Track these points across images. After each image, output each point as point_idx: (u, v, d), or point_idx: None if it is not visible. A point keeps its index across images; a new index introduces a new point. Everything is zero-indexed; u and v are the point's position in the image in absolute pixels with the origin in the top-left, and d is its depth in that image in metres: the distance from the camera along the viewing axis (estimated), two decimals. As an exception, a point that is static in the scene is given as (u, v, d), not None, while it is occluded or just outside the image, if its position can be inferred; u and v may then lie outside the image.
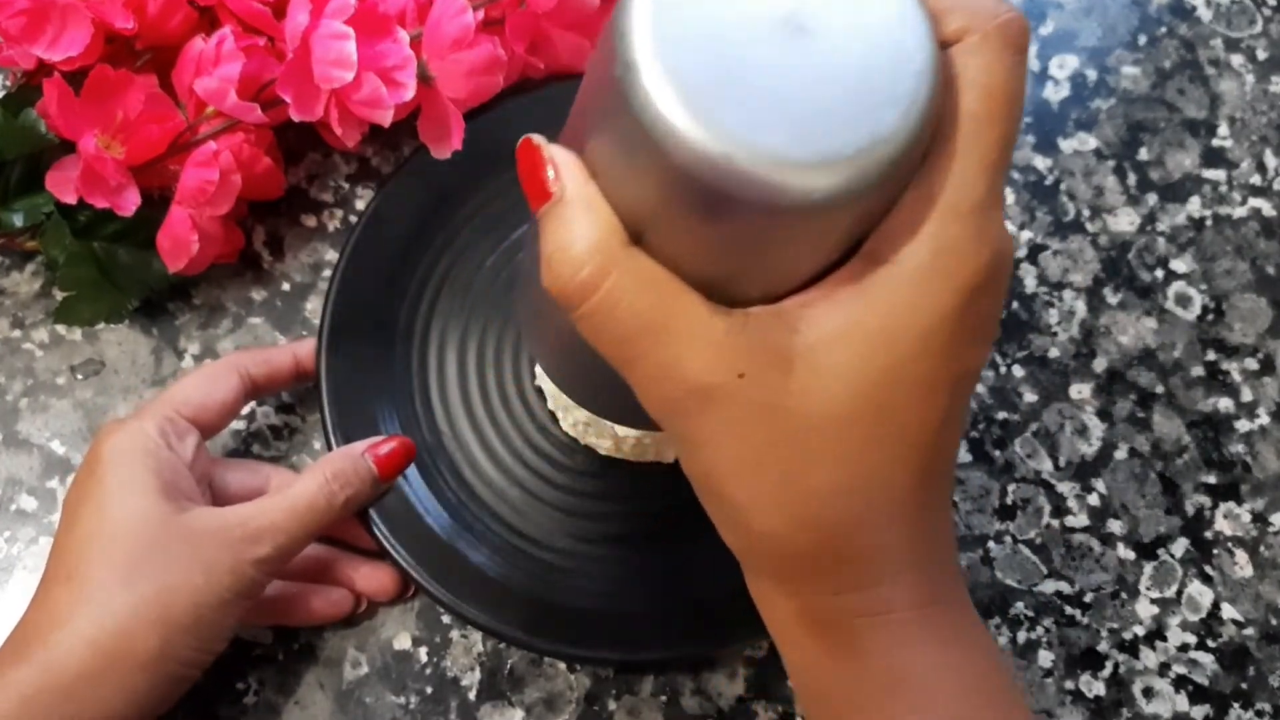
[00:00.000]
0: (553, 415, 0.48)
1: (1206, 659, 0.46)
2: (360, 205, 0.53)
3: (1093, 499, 0.49)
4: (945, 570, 0.29)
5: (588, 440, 0.47)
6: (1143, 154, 0.54)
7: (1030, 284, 0.52)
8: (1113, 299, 0.52)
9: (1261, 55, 0.56)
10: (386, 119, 0.46)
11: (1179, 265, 0.52)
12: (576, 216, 0.25)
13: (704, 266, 0.25)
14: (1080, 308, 0.51)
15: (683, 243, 0.25)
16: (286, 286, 0.51)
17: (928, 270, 0.25)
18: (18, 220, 0.47)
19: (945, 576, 0.29)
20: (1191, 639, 0.47)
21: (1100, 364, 0.51)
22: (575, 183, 0.25)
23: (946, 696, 0.28)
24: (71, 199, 0.46)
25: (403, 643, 0.46)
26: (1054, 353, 0.51)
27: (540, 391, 0.48)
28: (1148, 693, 0.46)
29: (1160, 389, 0.50)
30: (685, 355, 0.25)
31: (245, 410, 0.49)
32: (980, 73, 0.25)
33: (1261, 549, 0.48)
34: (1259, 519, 0.48)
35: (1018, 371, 0.50)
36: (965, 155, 0.25)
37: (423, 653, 0.46)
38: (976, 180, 0.25)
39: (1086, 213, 0.53)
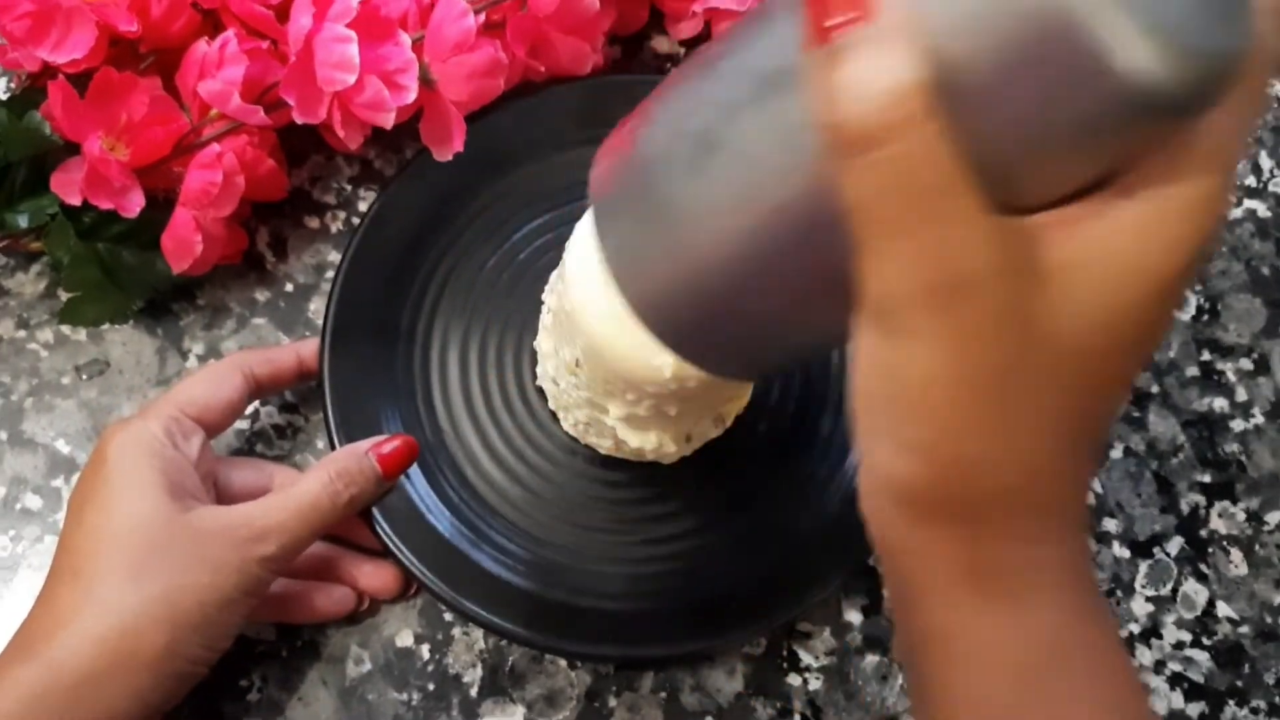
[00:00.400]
0: (553, 415, 0.48)
1: (1202, 657, 0.47)
2: (363, 207, 0.53)
3: (1089, 498, 0.49)
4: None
5: (588, 440, 0.47)
6: (1139, 156, 0.55)
7: (1027, 285, 0.52)
8: (1109, 299, 0.52)
9: (1256, 58, 0.56)
10: (389, 121, 0.46)
11: (1174, 266, 0.53)
12: (897, 46, 0.21)
13: (1004, 152, 0.22)
14: (1076, 308, 0.52)
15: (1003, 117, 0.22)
16: (290, 287, 0.52)
17: (1187, 213, 0.23)
18: (23, 221, 0.47)
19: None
20: (1187, 637, 0.47)
21: (1096, 364, 0.51)
22: (896, 6, 0.21)
23: (1104, 677, 0.27)
24: (76, 200, 0.46)
25: (405, 640, 0.46)
26: (1050, 353, 0.51)
27: (541, 391, 0.48)
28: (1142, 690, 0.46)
29: (1155, 388, 0.51)
30: (953, 238, 0.22)
31: (249, 410, 0.49)
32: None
33: (1256, 547, 0.48)
34: (1254, 517, 0.49)
35: (1014, 371, 0.51)
36: (1233, 117, 0.23)
37: (425, 650, 0.46)
38: (1238, 142, 0.24)
39: (1083, 214, 0.53)
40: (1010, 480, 0.25)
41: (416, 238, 0.50)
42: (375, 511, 0.45)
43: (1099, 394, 0.25)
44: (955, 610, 0.27)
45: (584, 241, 0.40)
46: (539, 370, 0.48)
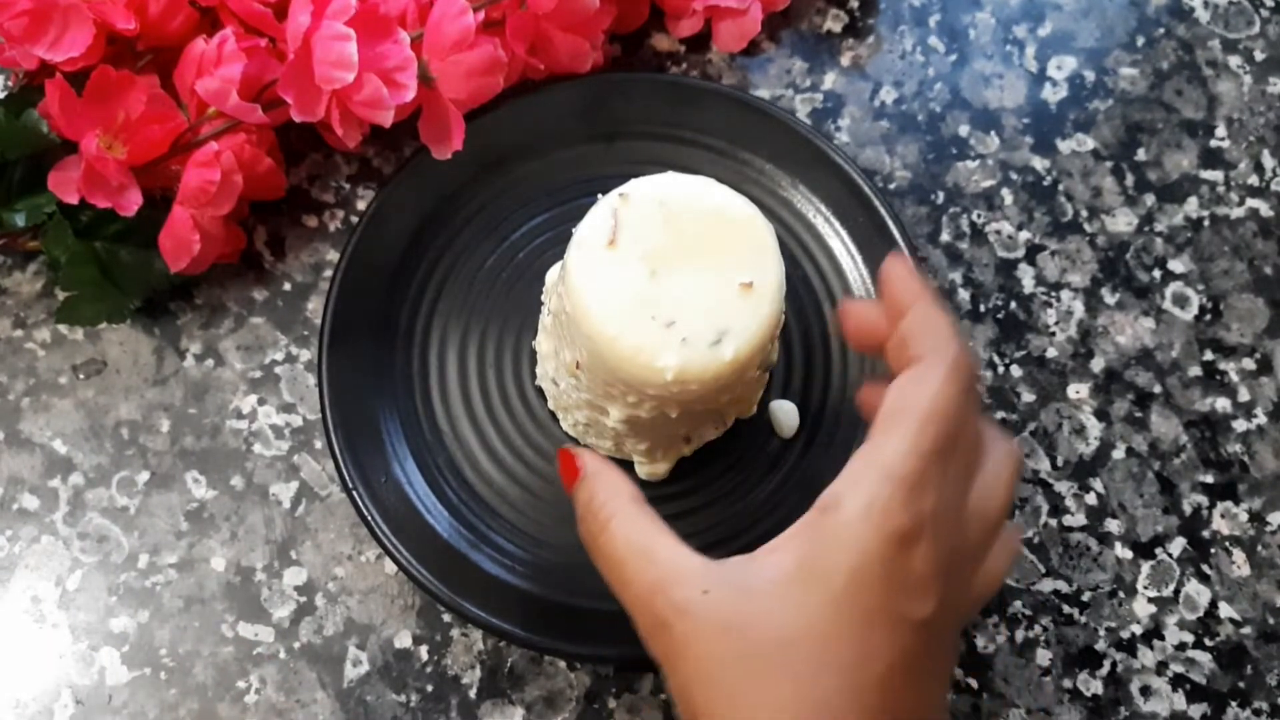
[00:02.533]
0: (553, 415, 0.48)
1: (1204, 658, 0.47)
2: (361, 205, 0.53)
3: (1090, 498, 0.49)
4: None
5: (588, 440, 0.47)
6: (1140, 155, 0.54)
7: (1028, 284, 0.52)
8: (1110, 299, 0.52)
9: (1259, 56, 0.56)
10: (387, 120, 0.46)
11: (1176, 265, 0.53)
12: (594, 484, 0.36)
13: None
14: (1078, 308, 0.52)
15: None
16: (288, 286, 0.51)
17: (861, 516, 0.31)
18: (20, 220, 0.47)
19: None
20: (1189, 638, 0.47)
21: (1098, 364, 0.51)
22: (593, 463, 0.36)
23: None
24: (73, 199, 0.46)
25: (403, 641, 0.46)
26: (1052, 353, 0.51)
27: (540, 391, 0.48)
28: (1145, 691, 0.46)
29: (1158, 389, 0.50)
30: (666, 576, 0.32)
31: (246, 409, 0.49)
32: (930, 390, 0.32)
33: (1259, 548, 0.48)
34: (1256, 518, 0.49)
35: (1015, 371, 0.50)
36: (905, 438, 0.31)
37: (423, 651, 0.46)
38: (909, 459, 0.31)
39: (1084, 213, 0.53)
40: None
41: (415, 237, 0.50)
42: (373, 512, 0.44)
43: (833, 682, 0.31)
44: None
45: (585, 242, 0.40)
46: (538, 370, 0.48)
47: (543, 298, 0.47)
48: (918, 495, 0.31)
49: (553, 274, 0.45)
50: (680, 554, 0.33)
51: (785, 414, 0.48)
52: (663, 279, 0.39)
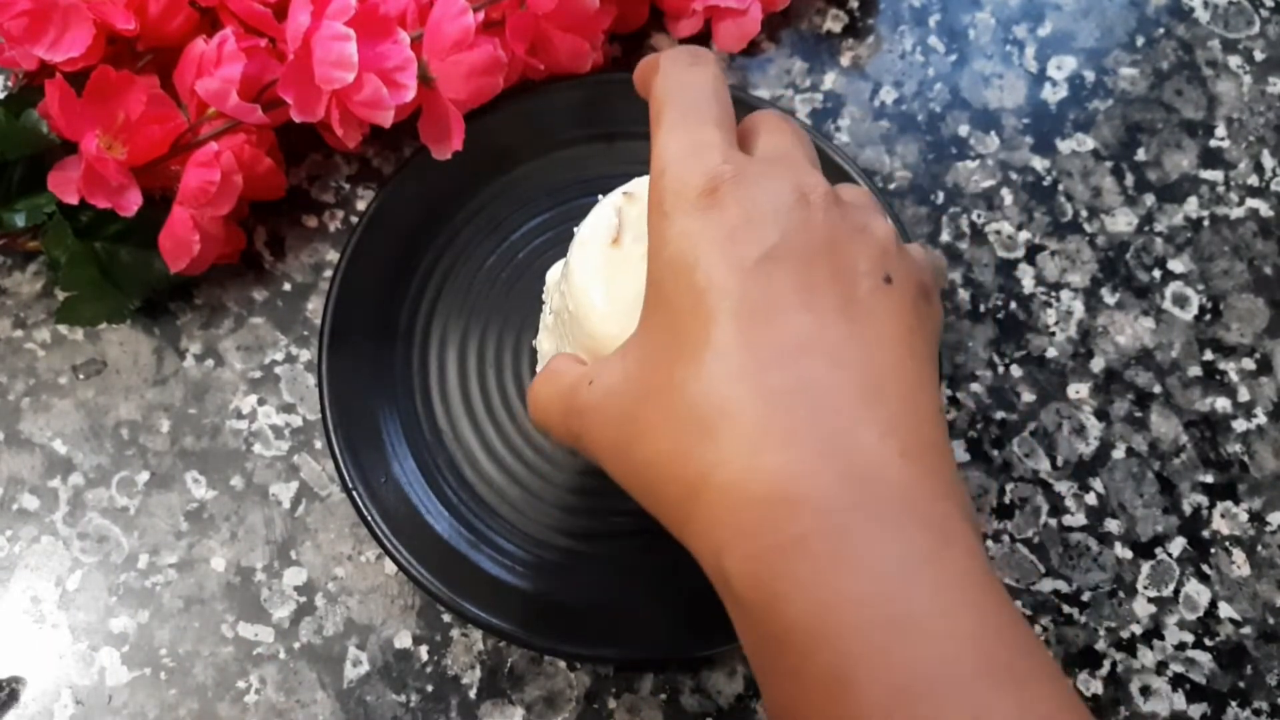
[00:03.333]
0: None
1: (1204, 658, 0.47)
2: (361, 206, 0.53)
3: (1090, 498, 0.49)
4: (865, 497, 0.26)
5: None
6: (1140, 155, 0.54)
7: (1028, 284, 0.52)
8: (1110, 299, 0.52)
9: (1259, 56, 0.56)
10: (387, 120, 0.46)
11: (1176, 265, 0.52)
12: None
13: None
14: (1078, 308, 0.52)
15: None
16: (288, 286, 0.51)
17: (656, 216, 0.31)
18: (19, 220, 0.47)
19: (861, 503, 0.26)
20: (1189, 638, 0.47)
21: (1098, 364, 0.51)
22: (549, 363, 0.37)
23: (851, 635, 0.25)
24: (73, 199, 0.46)
25: (403, 641, 0.46)
26: (1051, 353, 0.51)
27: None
28: (1145, 691, 0.46)
29: (1158, 389, 0.50)
30: (566, 389, 0.33)
31: (246, 410, 0.49)
32: (655, 83, 0.33)
33: (1259, 548, 0.48)
34: (1256, 518, 0.49)
35: (1015, 371, 0.50)
36: (656, 133, 0.33)
37: (423, 651, 0.46)
38: (663, 142, 0.32)
39: (1084, 213, 0.53)
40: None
41: (415, 237, 0.50)
42: (373, 512, 0.44)
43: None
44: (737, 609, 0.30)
45: (588, 241, 0.40)
46: (538, 369, 0.48)
47: (543, 297, 0.47)
48: (695, 157, 0.29)
49: (554, 273, 0.45)
50: (574, 373, 0.33)
51: None
52: None
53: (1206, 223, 0.53)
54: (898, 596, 0.24)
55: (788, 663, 0.25)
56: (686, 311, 0.28)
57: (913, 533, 0.25)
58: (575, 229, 0.41)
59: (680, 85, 0.31)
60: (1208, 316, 0.52)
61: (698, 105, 0.31)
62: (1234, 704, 0.46)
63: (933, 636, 0.24)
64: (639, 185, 0.41)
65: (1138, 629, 0.47)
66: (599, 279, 0.39)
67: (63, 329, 0.50)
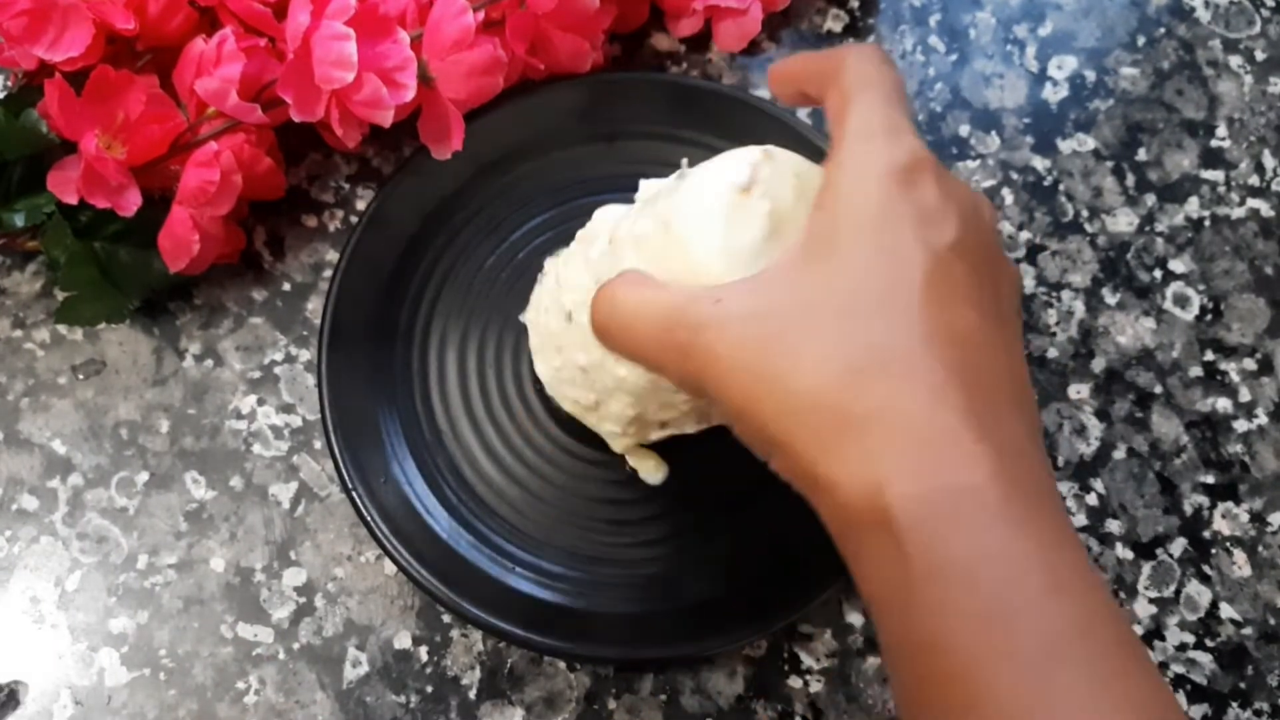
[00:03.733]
0: (552, 415, 0.48)
1: (1205, 658, 0.47)
2: (361, 205, 0.53)
3: (1091, 499, 0.49)
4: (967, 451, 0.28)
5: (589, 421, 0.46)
6: (1141, 155, 0.54)
7: (1029, 284, 0.52)
8: (1111, 299, 0.52)
9: (1260, 56, 0.56)
10: (387, 119, 0.46)
11: (1177, 265, 0.52)
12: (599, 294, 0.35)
13: None
14: (1079, 308, 0.52)
15: None
16: (287, 286, 0.51)
17: (853, 176, 0.32)
18: (19, 220, 0.47)
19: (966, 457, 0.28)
20: (1190, 638, 0.47)
21: (1099, 364, 0.51)
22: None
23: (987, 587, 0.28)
24: (73, 199, 0.46)
25: (403, 642, 0.46)
26: (1052, 353, 0.51)
27: (540, 391, 0.48)
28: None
29: (1159, 389, 0.50)
30: (676, 306, 0.32)
31: (245, 409, 0.49)
32: (849, 67, 0.34)
33: (1260, 549, 0.48)
34: (1257, 519, 0.49)
35: (1016, 371, 0.50)
36: (865, 102, 0.33)
37: (423, 652, 0.46)
38: (875, 113, 0.32)
39: (1085, 213, 0.53)
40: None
41: (415, 237, 0.50)
42: (372, 512, 0.44)
43: (887, 321, 0.31)
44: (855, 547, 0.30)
45: (717, 176, 0.37)
46: (537, 369, 0.47)
47: (547, 280, 0.46)
48: (899, 136, 0.32)
49: (555, 261, 0.46)
50: (676, 288, 0.33)
51: None
52: (776, 243, 0.36)
53: (1207, 223, 0.53)
54: (1048, 563, 0.27)
55: (938, 594, 0.28)
56: (867, 267, 0.30)
57: (1052, 517, 0.29)
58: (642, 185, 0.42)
59: (881, 74, 0.34)
60: (1209, 317, 0.52)
61: (898, 93, 0.33)
62: (1235, 705, 0.46)
63: (1076, 598, 0.27)
64: (778, 150, 0.38)
65: (1138, 630, 0.47)
66: (720, 216, 0.36)
67: (62, 329, 0.50)
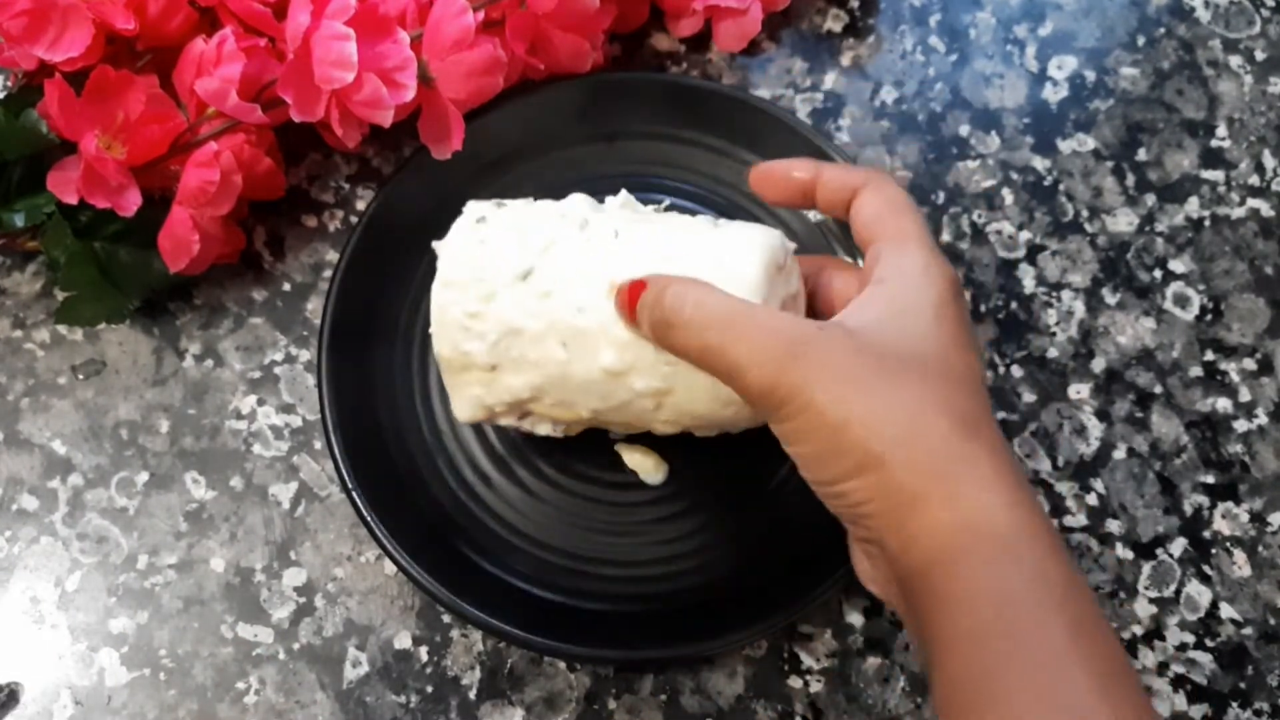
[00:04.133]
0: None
1: (1205, 658, 0.47)
2: (361, 205, 0.53)
3: (1091, 499, 0.49)
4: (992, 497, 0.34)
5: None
6: (1141, 155, 0.54)
7: (1029, 284, 0.52)
8: (1111, 299, 0.52)
9: (1260, 56, 0.56)
10: (387, 119, 0.46)
11: (1177, 265, 0.52)
12: (662, 285, 0.38)
13: None
14: (1079, 308, 0.52)
15: None
16: (287, 286, 0.51)
17: (922, 271, 0.38)
18: (19, 220, 0.47)
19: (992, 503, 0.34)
20: (1190, 638, 0.47)
21: (1099, 364, 0.51)
22: (655, 277, 0.39)
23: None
24: (73, 199, 0.46)
25: (403, 642, 0.46)
26: (1052, 353, 0.51)
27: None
28: (1146, 692, 0.46)
29: (1159, 389, 0.50)
30: (778, 324, 0.36)
31: (245, 410, 0.49)
32: (885, 198, 0.40)
33: (1260, 549, 0.48)
34: (1257, 519, 0.49)
35: (1016, 372, 0.50)
36: (916, 226, 0.39)
37: (423, 652, 0.46)
38: (928, 237, 0.39)
39: (1085, 213, 0.53)
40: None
41: (415, 236, 0.50)
42: (372, 513, 0.44)
43: (949, 388, 0.36)
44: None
45: (767, 256, 0.40)
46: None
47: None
48: (944, 259, 0.39)
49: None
50: (775, 312, 0.37)
51: None
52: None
53: (1207, 223, 0.53)
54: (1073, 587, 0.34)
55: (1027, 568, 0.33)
56: (945, 351, 0.36)
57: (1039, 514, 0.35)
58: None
59: (911, 200, 0.41)
60: (1209, 317, 0.52)
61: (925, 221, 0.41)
62: (1235, 705, 0.46)
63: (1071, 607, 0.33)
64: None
65: (1139, 630, 0.47)
66: (763, 282, 0.39)
67: (62, 329, 0.50)
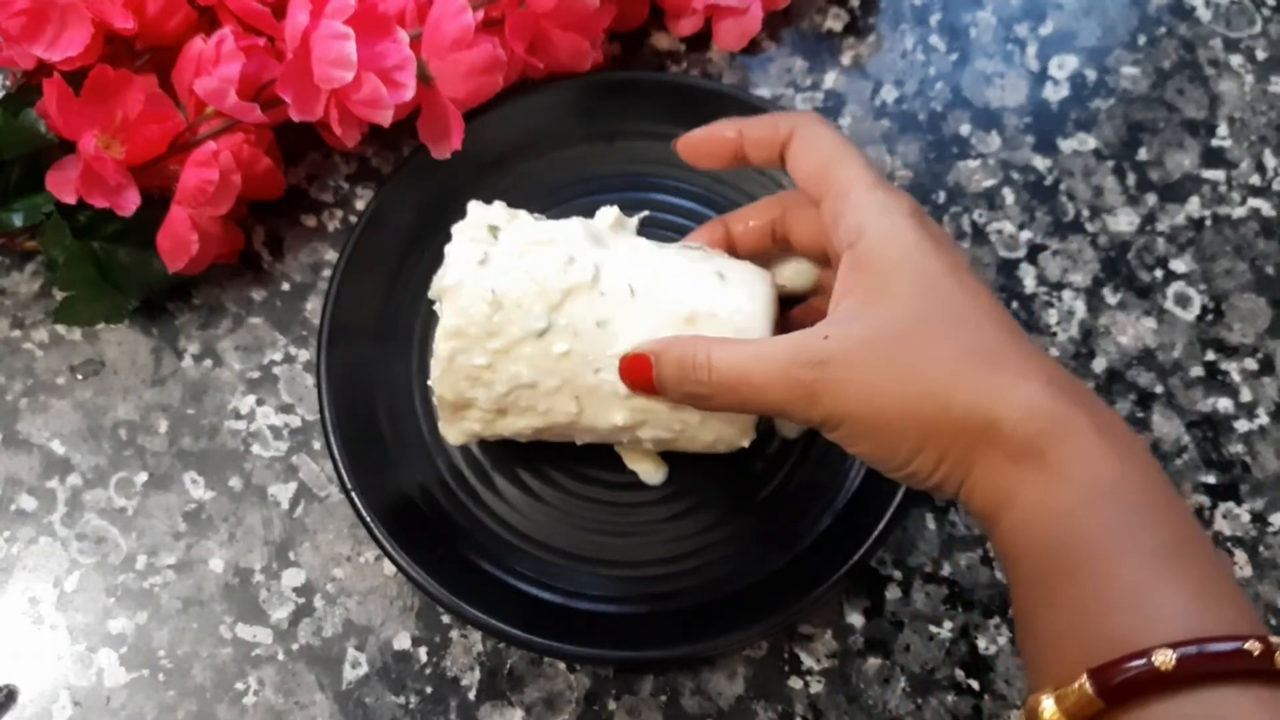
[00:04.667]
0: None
1: (1206, 659, 0.46)
2: (360, 205, 0.53)
3: (1092, 499, 0.49)
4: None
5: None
6: (1142, 154, 0.54)
7: (1029, 284, 0.52)
8: (1112, 299, 0.52)
9: (1261, 55, 0.56)
10: (386, 119, 0.46)
11: (1178, 265, 0.52)
12: (671, 350, 0.39)
13: None
14: (1079, 308, 0.51)
15: None
16: (286, 286, 0.51)
17: (885, 220, 0.37)
18: (17, 220, 0.47)
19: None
20: (1191, 639, 0.47)
21: (1100, 364, 0.51)
22: (657, 343, 0.40)
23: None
24: (71, 199, 0.46)
25: (402, 643, 0.46)
26: (1053, 353, 0.51)
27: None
28: (1147, 692, 0.46)
29: (1159, 389, 0.50)
30: (789, 351, 0.36)
31: (244, 410, 0.49)
32: (816, 149, 0.40)
33: (1261, 549, 0.48)
34: (1258, 519, 0.48)
35: (1017, 371, 0.50)
36: (850, 165, 0.39)
37: (422, 652, 0.46)
38: (868, 171, 0.39)
39: (1086, 213, 0.53)
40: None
41: (414, 236, 0.50)
42: (372, 513, 0.44)
43: (971, 324, 0.36)
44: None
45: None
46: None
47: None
48: (892, 189, 0.38)
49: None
50: (779, 338, 0.37)
51: None
52: None
53: (1208, 222, 0.53)
54: (1160, 484, 0.35)
55: (1079, 502, 0.34)
56: (925, 292, 0.36)
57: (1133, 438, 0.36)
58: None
59: (844, 139, 0.40)
60: (1210, 316, 0.52)
61: (861, 152, 0.40)
62: (1236, 705, 0.46)
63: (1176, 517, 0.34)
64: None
65: (1139, 630, 0.47)
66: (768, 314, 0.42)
67: (60, 329, 0.50)
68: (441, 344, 0.41)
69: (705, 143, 0.43)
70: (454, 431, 0.44)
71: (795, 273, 0.45)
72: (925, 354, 0.35)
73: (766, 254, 0.45)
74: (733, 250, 0.45)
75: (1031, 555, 0.34)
